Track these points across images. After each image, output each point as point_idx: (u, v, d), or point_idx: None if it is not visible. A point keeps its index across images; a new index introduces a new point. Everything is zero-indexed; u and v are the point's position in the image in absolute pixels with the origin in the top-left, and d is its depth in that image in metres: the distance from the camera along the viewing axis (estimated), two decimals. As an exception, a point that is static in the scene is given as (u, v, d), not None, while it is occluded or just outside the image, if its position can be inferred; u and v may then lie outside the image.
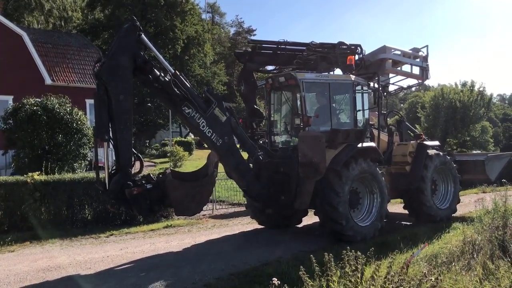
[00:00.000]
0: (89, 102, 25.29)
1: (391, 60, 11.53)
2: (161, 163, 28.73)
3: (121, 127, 7.23)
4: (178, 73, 8.00)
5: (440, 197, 11.66)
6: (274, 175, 9.47)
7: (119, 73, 7.22)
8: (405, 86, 13.13)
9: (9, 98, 22.97)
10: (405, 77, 12.49)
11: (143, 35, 7.61)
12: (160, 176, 8.11)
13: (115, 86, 7.16)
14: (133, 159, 7.50)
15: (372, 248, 5.78)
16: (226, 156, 8.66)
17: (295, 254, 8.32)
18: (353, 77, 9.93)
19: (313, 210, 9.83)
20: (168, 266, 7.78)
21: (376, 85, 10.77)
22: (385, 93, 12.09)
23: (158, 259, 8.32)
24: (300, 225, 11.33)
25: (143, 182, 7.67)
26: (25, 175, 11.55)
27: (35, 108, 15.26)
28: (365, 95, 10.27)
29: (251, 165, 9.40)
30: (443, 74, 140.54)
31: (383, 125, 11.60)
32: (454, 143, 36.71)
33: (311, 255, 5.43)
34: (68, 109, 15.95)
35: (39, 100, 16.08)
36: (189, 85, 8.14)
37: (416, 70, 12.29)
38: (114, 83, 7.16)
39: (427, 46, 12.37)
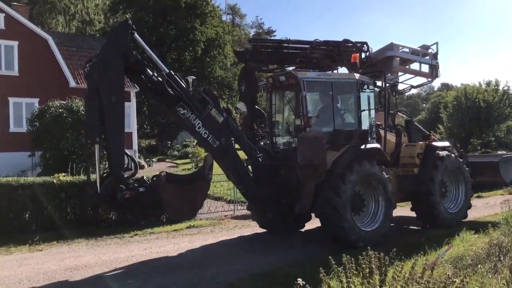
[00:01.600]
0: (112, 104, 25.73)
1: (398, 58, 11.09)
2: (183, 164, 29.04)
3: (112, 129, 7.00)
4: (173, 73, 7.81)
5: (450, 201, 11.09)
6: (274, 177, 9.10)
7: (110, 73, 6.97)
8: (414, 84, 12.68)
9: (35, 101, 23.56)
10: (414, 76, 12.04)
11: (136, 34, 7.41)
12: (154, 179, 7.81)
13: (106, 87, 6.94)
14: (126, 161, 7.26)
15: (395, 249, 5.75)
16: (223, 158, 8.39)
17: (318, 255, 8.26)
18: (357, 75, 9.56)
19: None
20: (192, 266, 7.89)
21: (383, 84, 10.46)
22: (394, 92, 11.80)
23: (182, 259, 8.44)
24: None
25: (136, 185, 7.38)
26: (51, 176, 11.82)
27: (60, 110, 15.65)
28: (371, 95, 9.87)
29: (250, 167, 9.09)
30: (466, 74, 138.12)
31: (391, 126, 11.19)
32: (478, 144, 36.09)
33: (330, 257, 5.44)
34: (92, 111, 16.23)
35: (64, 102, 16.45)
36: (184, 85, 7.92)
37: (425, 68, 11.80)
38: (105, 83, 6.94)
39: (436, 43, 11.90)
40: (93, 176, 7.53)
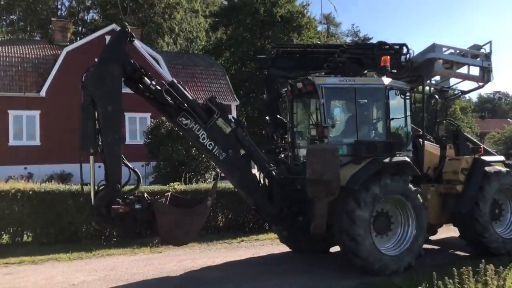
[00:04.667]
0: (215, 117, 27.36)
1: (441, 60, 10.02)
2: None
3: (108, 140, 6.78)
4: (176, 82, 7.57)
5: (506, 225, 9.56)
6: (290, 192, 8.29)
7: (107, 82, 6.79)
8: (465, 90, 11.30)
9: (147, 115, 25.70)
10: (461, 80, 10.83)
11: (136, 41, 7.29)
12: (157, 197, 7.42)
13: (102, 96, 6.76)
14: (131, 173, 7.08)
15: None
16: (231, 171, 7.99)
17: (423, 265, 8.32)
18: (386, 80, 8.53)
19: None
20: (302, 272, 8.33)
21: (434, 89, 9.79)
22: (444, 99, 10.84)
23: (290, 265, 8.90)
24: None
25: (134, 201, 6.97)
26: (167, 185, 12.97)
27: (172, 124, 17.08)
28: (406, 102, 8.82)
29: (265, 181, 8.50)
30: None
31: (437, 137, 10.05)
32: None
33: (453, 268, 5.64)
34: (200, 125, 17.49)
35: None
36: (188, 95, 7.61)
37: (475, 71, 10.50)
38: (100, 92, 6.76)
39: (490, 42, 10.50)
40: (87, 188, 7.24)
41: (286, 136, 9.44)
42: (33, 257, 9.85)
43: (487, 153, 10.23)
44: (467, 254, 9.55)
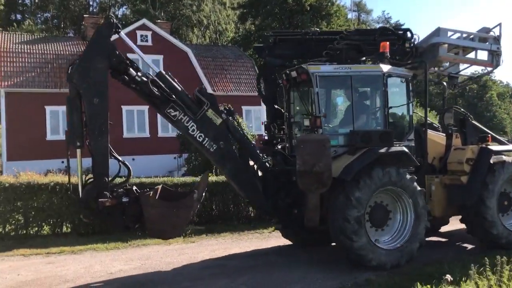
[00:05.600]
0: (245, 108, 27.59)
1: (446, 45, 9.51)
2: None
3: (95, 132, 6.73)
4: (163, 73, 7.39)
5: None
6: (285, 185, 8.12)
7: (92, 74, 6.71)
8: (473, 76, 10.86)
9: (179, 108, 26.13)
10: (469, 65, 10.33)
11: (122, 33, 7.19)
12: (146, 190, 7.24)
13: (87, 89, 6.68)
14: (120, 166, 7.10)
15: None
16: (222, 163, 7.81)
17: (455, 255, 8.32)
18: (385, 67, 8.13)
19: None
20: (329, 262, 8.39)
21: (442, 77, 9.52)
22: (453, 86, 10.38)
23: (319, 255, 8.98)
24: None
25: (122, 194, 6.95)
26: (199, 177, 13.18)
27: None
28: (406, 89, 8.49)
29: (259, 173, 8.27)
30: None
31: (443, 125, 9.73)
32: None
33: (485, 257, 5.65)
34: (230, 116, 17.65)
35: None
36: (177, 86, 7.42)
37: (483, 55, 9.90)
38: (86, 85, 6.68)
39: (500, 24, 9.82)
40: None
41: (284, 126, 9.26)
42: (72, 247, 10.30)
43: (497, 141, 9.83)
44: (473, 246, 9.36)
